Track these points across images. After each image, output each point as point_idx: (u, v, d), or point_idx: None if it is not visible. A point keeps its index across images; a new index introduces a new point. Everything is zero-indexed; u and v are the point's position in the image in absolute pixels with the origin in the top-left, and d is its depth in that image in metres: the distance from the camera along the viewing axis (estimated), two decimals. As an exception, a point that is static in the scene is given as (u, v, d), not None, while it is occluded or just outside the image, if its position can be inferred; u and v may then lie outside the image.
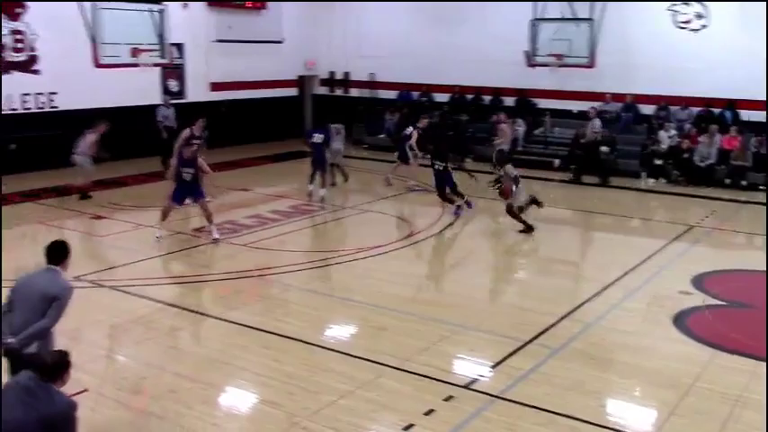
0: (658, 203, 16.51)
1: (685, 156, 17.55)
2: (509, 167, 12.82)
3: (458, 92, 22.02)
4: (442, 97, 22.29)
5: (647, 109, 19.38)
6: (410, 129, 16.68)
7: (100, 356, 7.80)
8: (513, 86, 21.00)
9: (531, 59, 19.49)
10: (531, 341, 8.16)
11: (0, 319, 5.76)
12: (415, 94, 22.90)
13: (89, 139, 14.65)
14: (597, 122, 18.19)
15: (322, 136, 15.10)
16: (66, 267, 5.92)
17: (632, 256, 11.38)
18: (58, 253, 5.90)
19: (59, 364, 4.87)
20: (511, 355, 7.80)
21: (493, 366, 7.55)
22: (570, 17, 18.71)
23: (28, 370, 4.91)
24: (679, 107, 18.88)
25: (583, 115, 19.24)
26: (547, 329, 8.50)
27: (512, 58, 19.95)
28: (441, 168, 14.00)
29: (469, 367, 7.58)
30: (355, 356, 7.70)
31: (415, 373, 7.30)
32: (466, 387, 7.07)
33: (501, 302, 9.56)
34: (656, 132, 18.53)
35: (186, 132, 14.27)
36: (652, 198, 16.78)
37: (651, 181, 17.86)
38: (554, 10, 18.83)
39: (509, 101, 21.27)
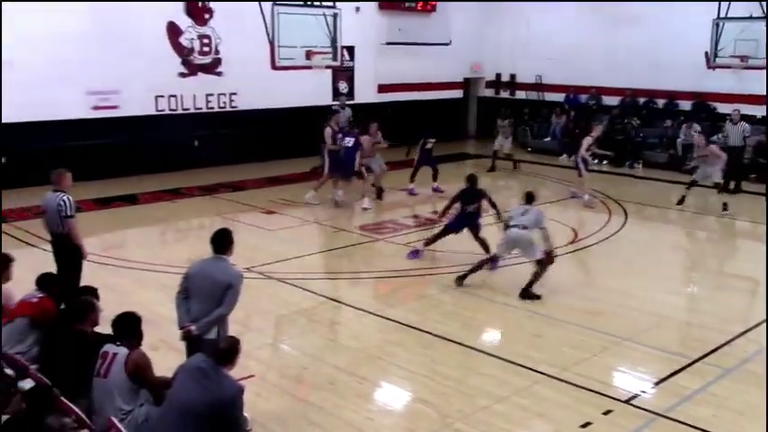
0: None
1: None
2: None
3: (629, 95, 21.18)
4: (611, 100, 21.54)
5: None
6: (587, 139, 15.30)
7: (266, 345, 8.20)
8: (690, 90, 19.91)
9: (711, 61, 18.40)
10: (700, 359, 7.70)
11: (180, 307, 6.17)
12: (584, 97, 22.26)
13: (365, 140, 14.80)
14: (746, 126, 16.74)
15: (353, 140, 14.36)
16: (231, 254, 6.23)
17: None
18: (223, 241, 6.20)
19: (231, 350, 5.18)
20: (677, 372, 7.41)
21: (657, 383, 7.21)
22: (759, 16, 17.48)
23: (202, 353, 5.26)
24: None
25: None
26: (719, 348, 8.00)
27: (688, 60, 18.96)
28: None
29: (631, 382, 7.27)
30: (512, 362, 7.60)
31: (572, 384, 7.11)
32: (626, 402, 6.78)
33: (669, 316, 9.07)
34: None
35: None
36: None
37: None
38: (741, 9, 17.66)
39: (685, 104, 20.18)
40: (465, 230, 10.94)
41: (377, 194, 15.13)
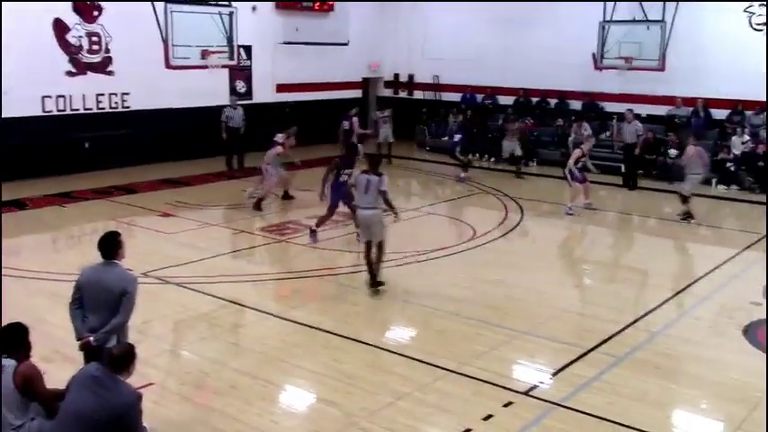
0: (730, 211, 16.02)
1: (760, 163, 16.98)
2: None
3: (522, 95, 21.81)
4: (506, 100, 22.12)
5: (720, 113, 18.84)
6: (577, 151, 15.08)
7: (165, 351, 7.98)
8: (580, 90, 20.70)
9: (598, 62, 19.19)
10: (594, 349, 8.01)
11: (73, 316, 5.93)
12: (480, 96, 22.76)
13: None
14: (637, 125, 17.49)
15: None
16: (121, 258, 6.02)
17: (702, 265, 11.09)
18: (111, 246, 5.97)
19: (125, 356, 5.03)
20: (573, 362, 7.68)
21: (554, 373, 7.44)
22: (641, 19, 18.36)
23: (96, 361, 5.08)
24: (753, 111, 18.29)
25: (653, 119, 18.90)
26: (611, 337, 8.34)
27: (578, 61, 19.73)
28: None
29: (530, 373, 7.49)
30: (414, 359, 7.68)
31: (473, 378, 7.25)
32: (526, 393, 6.98)
33: (563, 308, 9.39)
34: (728, 137, 18.00)
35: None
36: (723, 205, 16.29)
37: (722, 187, 17.34)
38: (624, 12, 18.50)
39: (575, 104, 20.97)
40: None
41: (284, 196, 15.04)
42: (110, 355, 5.03)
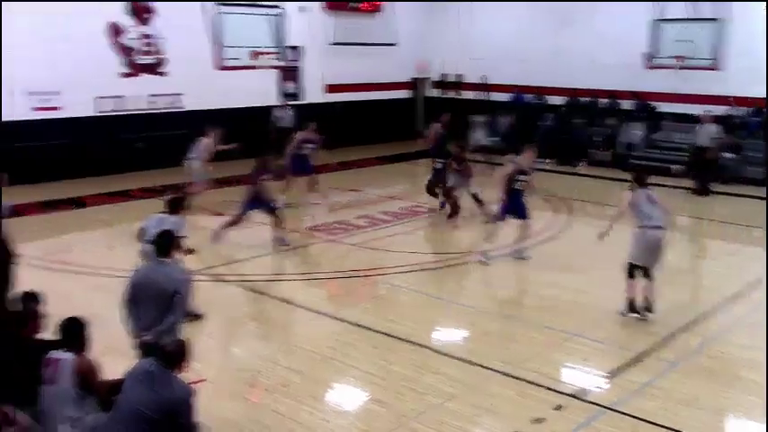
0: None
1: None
2: None
3: (572, 95, 21.56)
4: (556, 100, 21.89)
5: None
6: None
7: (218, 348, 8.11)
8: (631, 89, 20.36)
9: (650, 61, 18.86)
10: (647, 353, 7.89)
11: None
12: (529, 96, 22.57)
13: (203, 143, 14.98)
14: (713, 128, 17.09)
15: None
16: (173, 256, 6.13)
17: (758, 268, 10.80)
18: (165, 244, 6.11)
19: (179, 353, 5.10)
20: (626, 366, 7.57)
21: (606, 377, 7.35)
22: (694, 17, 18.00)
23: (150, 357, 5.18)
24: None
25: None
26: (664, 341, 8.20)
27: (629, 61, 19.38)
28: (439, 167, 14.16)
29: (581, 377, 7.41)
30: (463, 360, 7.66)
31: (523, 380, 7.20)
32: (576, 397, 6.90)
33: (616, 311, 9.25)
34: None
35: (300, 135, 14.66)
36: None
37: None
38: (677, 10, 18.15)
39: (626, 104, 20.65)
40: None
41: None
42: (163, 351, 5.11)
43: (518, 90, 22.57)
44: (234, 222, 11.81)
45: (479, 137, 19.83)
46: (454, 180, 13.66)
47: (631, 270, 8.65)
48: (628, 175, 15.91)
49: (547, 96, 22.12)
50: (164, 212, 8.32)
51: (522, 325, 8.69)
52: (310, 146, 14.68)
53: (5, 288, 7.47)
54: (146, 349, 5.86)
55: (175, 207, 8.39)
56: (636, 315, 8.72)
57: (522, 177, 11.03)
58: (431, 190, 14.64)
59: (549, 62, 21.42)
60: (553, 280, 10.51)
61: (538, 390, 7.02)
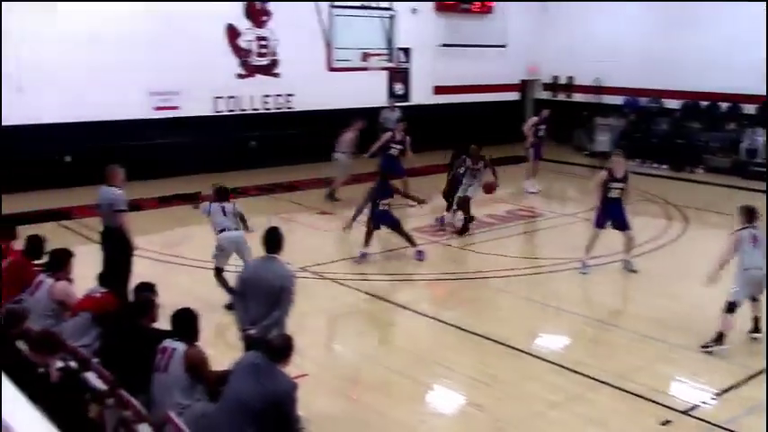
0: None
1: None
2: None
3: (689, 98, 20.69)
4: (672, 104, 21.07)
5: None
6: None
7: (320, 344, 8.26)
8: (755, 93, 19.32)
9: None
10: (763, 371, 7.48)
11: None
12: (644, 99, 21.83)
13: (347, 137, 15.31)
14: None
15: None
16: (281, 252, 6.28)
17: None
18: (273, 241, 6.28)
19: (285, 347, 5.23)
20: (740, 383, 7.22)
21: (718, 394, 7.03)
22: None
23: (256, 350, 5.33)
24: None
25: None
26: (783, 359, 7.76)
27: (750, 63, 18.40)
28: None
29: (691, 392, 7.11)
30: (566, 368, 7.50)
31: (629, 392, 6.98)
32: (686, 413, 6.63)
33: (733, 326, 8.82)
34: None
35: (387, 136, 14.70)
36: None
37: None
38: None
39: (749, 108, 19.63)
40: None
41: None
42: (270, 345, 5.25)
43: (632, 93, 21.88)
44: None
45: (603, 140, 19.07)
46: (468, 180, 12.78)
47: (732, 307, 8.16)
48: (747, 183, 15.37)
49: (663, 100, 21.35)
50: (216, 201, 9.14)
51: (629, 335, 8.41)
52: (398, 147, 14.66)
53: (126, 279, 7.88)
54: (250, 342, 6.04)
55: (225, 195, 9.29)
56: (720, 347, 8.00)
57: (615, 185, 10.52)
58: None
59: (666, 64, 20.61)
60: (663, 290, 10.12)
61: (645, 403, 6.79)
